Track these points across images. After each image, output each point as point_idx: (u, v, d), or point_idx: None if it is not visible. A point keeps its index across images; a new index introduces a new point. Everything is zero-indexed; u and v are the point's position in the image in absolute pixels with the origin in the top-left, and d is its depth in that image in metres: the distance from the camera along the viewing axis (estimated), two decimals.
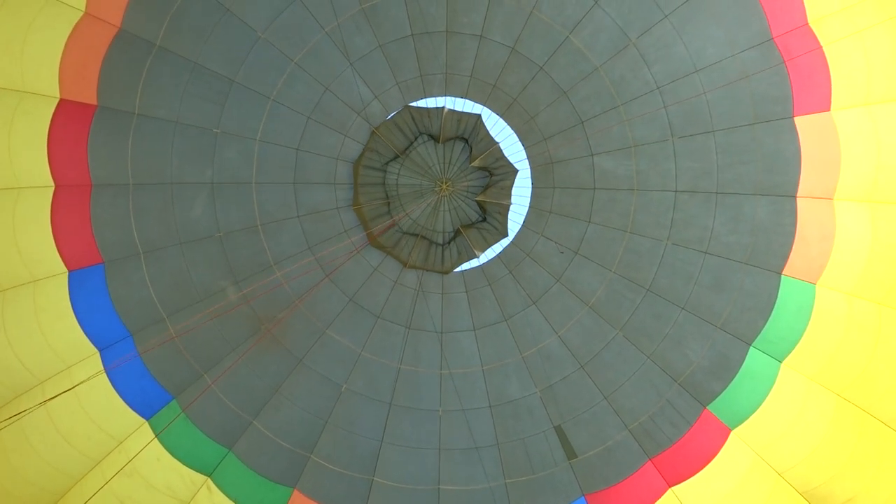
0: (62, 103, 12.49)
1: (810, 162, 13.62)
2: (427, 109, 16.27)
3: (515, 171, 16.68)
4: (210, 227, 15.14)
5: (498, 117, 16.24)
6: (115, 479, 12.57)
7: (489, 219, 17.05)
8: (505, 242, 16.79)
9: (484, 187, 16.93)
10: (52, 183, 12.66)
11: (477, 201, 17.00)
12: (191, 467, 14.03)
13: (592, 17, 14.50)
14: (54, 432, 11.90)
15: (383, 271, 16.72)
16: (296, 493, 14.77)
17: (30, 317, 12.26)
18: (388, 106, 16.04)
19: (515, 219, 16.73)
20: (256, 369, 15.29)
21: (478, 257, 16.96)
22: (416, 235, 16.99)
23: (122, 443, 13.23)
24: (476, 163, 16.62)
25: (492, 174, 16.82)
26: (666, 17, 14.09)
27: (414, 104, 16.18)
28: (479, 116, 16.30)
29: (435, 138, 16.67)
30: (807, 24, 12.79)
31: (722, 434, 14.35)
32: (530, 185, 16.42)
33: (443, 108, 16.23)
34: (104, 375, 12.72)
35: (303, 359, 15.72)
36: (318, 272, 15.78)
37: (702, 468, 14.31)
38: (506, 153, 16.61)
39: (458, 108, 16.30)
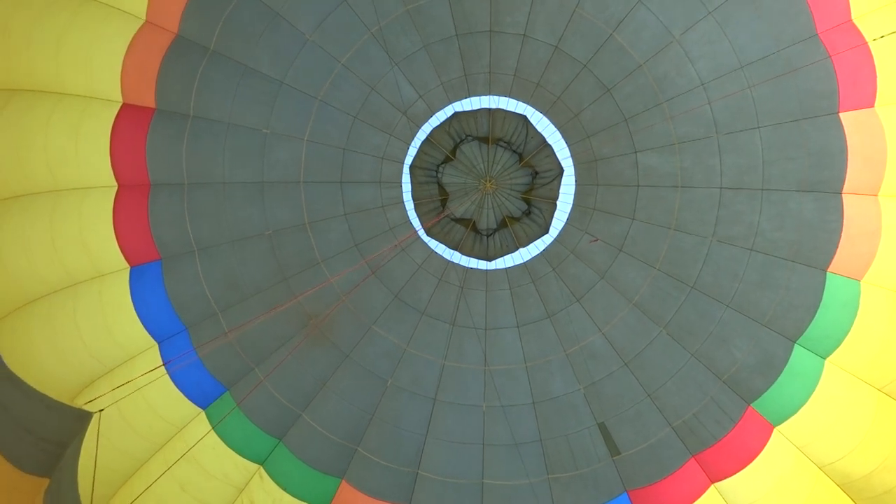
0: (124, 107, 12.94)
1: (856, 158, 13.51)
2: (474, 112, 16.47)
3: (562, 171, 16.74)
4: (259, 225, 15.52)
5: (542, 115, 16.34)
6: (176, 465, 13.04)
7: (533, 214, 17.20)
8: (548, 240, 16.90)
9: (528, 185, 17.10)
10: (115, 183, 13.13)
11: (523, 198, 17.15)
12: (244, 456, 14.49)
13: (636, 14, 14.55)
14: (119, 418, 12.38)
15: (428, 269, 16.98)
16: (343, 483, 15.12)
17: (96, 310, 12.71)
18: (432, 106, 16.27)
19: (559, 216, 16.82)
20: (305, 363, 15.68)
21: (517, 249, 17.11)
22: (468, 220, 17.23)
23: (181, 430, 13.72)
24: (524, 162, 16.79)
25: (537, 173, 16.97)
26: (710, 13, 14.07)
27: (462, 111, 16.44)
28: (525, 117, 16.44)
29: (481, 140, 16.88)
30: (850, 20, 12.69)
31: (765, 432, 14.29)
32: (574, 183, 16.50)
33: (488, 109, 16.38)
34: (162, 367, 13.19)
35: (350, 354, 16.05)
36: (366, 268, 16.08)
37: (745, 466, 14.29)
38: (555, 152, 16.63)
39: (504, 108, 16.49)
